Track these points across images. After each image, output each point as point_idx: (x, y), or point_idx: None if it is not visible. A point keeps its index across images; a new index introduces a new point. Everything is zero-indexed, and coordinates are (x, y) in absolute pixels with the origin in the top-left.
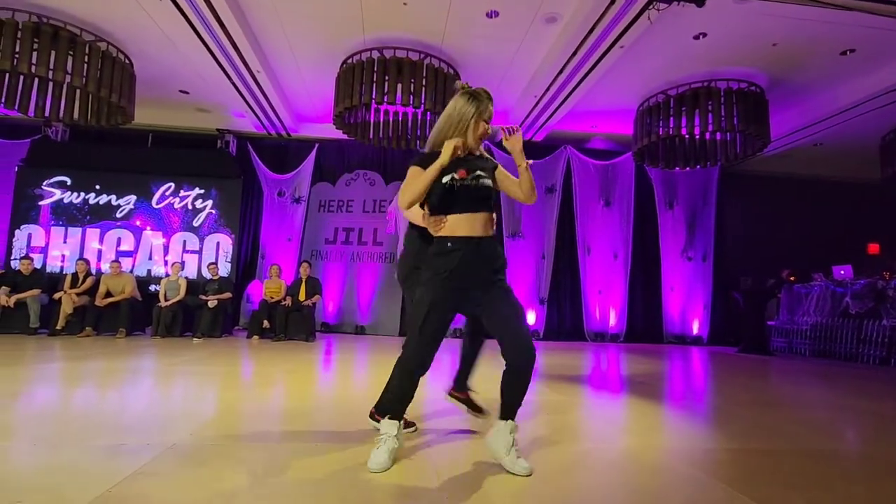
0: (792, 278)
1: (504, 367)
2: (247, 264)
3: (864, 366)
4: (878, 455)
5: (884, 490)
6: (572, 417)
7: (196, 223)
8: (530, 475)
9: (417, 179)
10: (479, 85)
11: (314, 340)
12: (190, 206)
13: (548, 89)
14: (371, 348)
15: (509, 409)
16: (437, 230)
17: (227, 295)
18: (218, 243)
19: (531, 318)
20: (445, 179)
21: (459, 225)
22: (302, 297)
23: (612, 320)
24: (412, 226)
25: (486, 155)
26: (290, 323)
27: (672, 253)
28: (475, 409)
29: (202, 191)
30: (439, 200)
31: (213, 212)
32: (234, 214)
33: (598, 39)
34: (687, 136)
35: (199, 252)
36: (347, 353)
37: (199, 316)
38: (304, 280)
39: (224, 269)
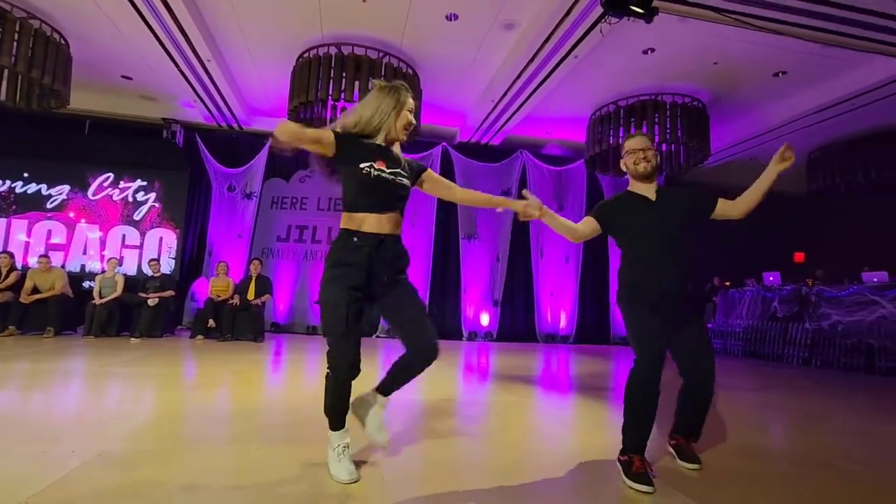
0: (727, 283)
1: (404, 353)
2: (192, 261)
3: (789, 366)
4: (800, 451)
5: (806, 483)
6: (522, 418)
7: (137, 217)
8: (385, 447)
9: (304, 134)
10: (439, 86)
11: (263, 341)
12: (130, 199)
13: (505, 94)
14: (323, 349)
15: (388, 388)
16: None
17: (170, 293)
18: (161, 238)
19: (485, 319)
20: (363, 166)
21: (367, 220)
22: (251, 295)
23: (563, 322)
24: None
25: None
26: (238, 322)
27: (615, 257)
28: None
29: (144, 183)
30: (353, 188)
31: (157, 205)
32: (180, 209)
33: (554, 48)
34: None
35: (140, 247)
36: (298, 353)
37: (138, 314)
38: (253, 278)
39: (167, 265)
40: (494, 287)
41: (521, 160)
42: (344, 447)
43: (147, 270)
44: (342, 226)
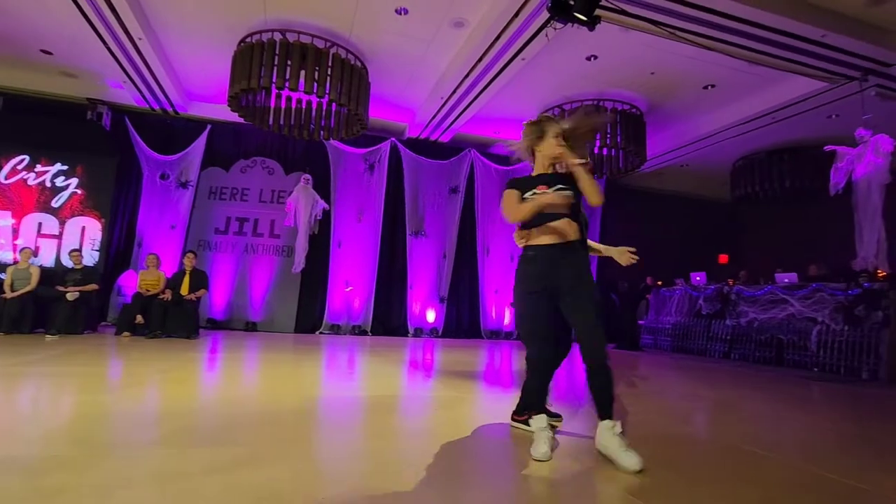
0: (659, 283)
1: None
2: (119, 253)
3: (711, 359)
4: (716, 437)
5: (722, 466)
6: (462, 412)
7: (56, 204)
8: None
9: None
10: (389, 81)
11: (197, 338)
12: (49, 184)
13: (454, 92)
14: (263, 346)
15: (603, 408)
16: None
17: (93, 286)
18: (83, 228)
19: (431, 316)
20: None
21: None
22: (185, 290)
23: (507, 319)
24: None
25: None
26: (170, 318)
27: None
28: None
29: (65, 167)
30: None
31: (79, 192)
32: (106, 196)
33: (502, 49)
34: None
35: (59, 237)
36: (235, 351)
37: (56, 309)
38: (188, 272)
39: (90, 257)
40: (441, 284)
41: (470, 158)
42: (540, 430)
43: (67, 262)
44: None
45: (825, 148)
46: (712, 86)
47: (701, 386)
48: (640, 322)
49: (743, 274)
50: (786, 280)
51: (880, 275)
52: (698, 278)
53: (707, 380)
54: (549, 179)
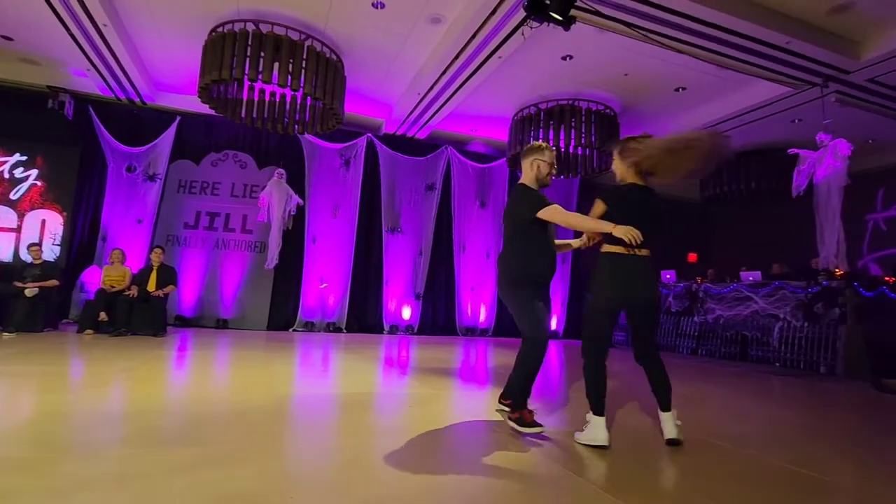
0: None
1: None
2: (82, 247)
3: (680, 355)
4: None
5: (689, 459)
6: (437, 409)
7: (14, 196)
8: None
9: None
10: (365, 75)
11: (164, 335)
12: (7, 175)
13: (431, 88)
14: (234, 343)
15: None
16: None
17: (53, 282)
18: (44, 221)
19: (407, 313)
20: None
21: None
22: (152, 286)
23: (483, 316)
24: None
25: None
26: (136, 315)
27: None
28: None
29: (24, 157)
30: None
31: (39, 183)
32: (68, 188)
33: (479, 47)
34: (554, 148)
35: (18, 230)
36: (205, 349)
37: (13, 306)
38: (155, 268)
39: (50, 251)
40: (417, 281)
41: (447, 156)
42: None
43: (26, 256)
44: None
45: (789, 151)
46: (683, 88)
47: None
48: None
49: (710, 272)
50: (750, 278)
51: (838, 273)
52: (668, 276)
53: (675, 376)
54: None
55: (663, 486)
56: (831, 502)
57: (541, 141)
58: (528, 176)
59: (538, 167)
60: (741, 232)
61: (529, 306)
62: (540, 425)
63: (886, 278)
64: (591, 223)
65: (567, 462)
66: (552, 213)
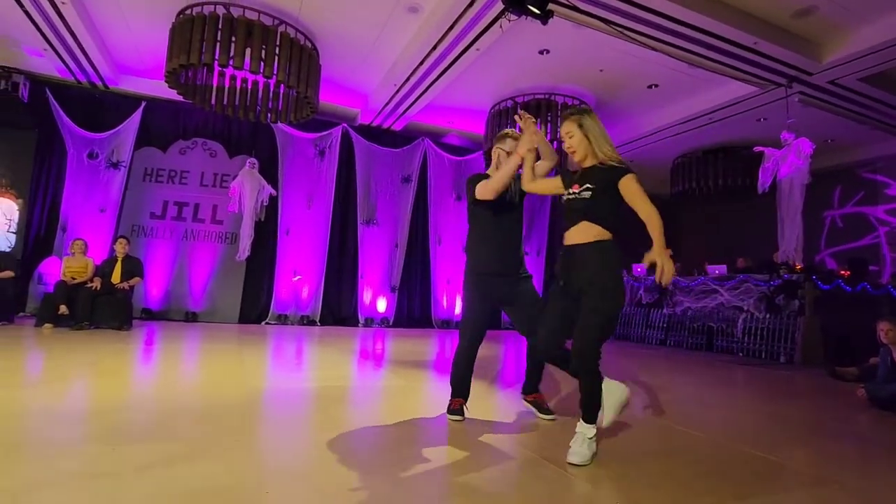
0: None
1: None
2: (40, 238)
3: (649, 346)
4: (652, 419)
5: (657, 445)
6: (411, 401)
7: None
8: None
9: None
10: (340, 64)
11: (130, 329)
12: None
13: (408, 79)
14: (203, 336)
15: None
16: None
17: (8, 273)
18: None
19: (382, 305)
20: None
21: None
22: (116, 278)
23: (458, 308)
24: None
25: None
26: (98, 308)
27: None
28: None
29: None
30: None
31: None
32: (24, 175)
33: (457, 38)
34: (520, 132)
35: None
36: (172, 342)
37: None
38: (119, 259)
39: (5, 240)
40: (392, 273)
41: (423, 148)
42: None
43: None
44: None
45: (754, 149)
46: (656, 85)
47: (639, 371)
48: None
49: (678, 266)
50: (716, 272)
51: (798, 268)
52: (639, 269)
53: (645, 365)
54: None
55: (630, 470)
56: (791, 484)
57: (508, 129)
58: (493, 166)
59: (497, 156)
60: (708, 227)
61: (466, 303)
62: (457, 416)
63: (842, 272)
64: (503, 170)
65: (540, 449)
66: (482, 191)
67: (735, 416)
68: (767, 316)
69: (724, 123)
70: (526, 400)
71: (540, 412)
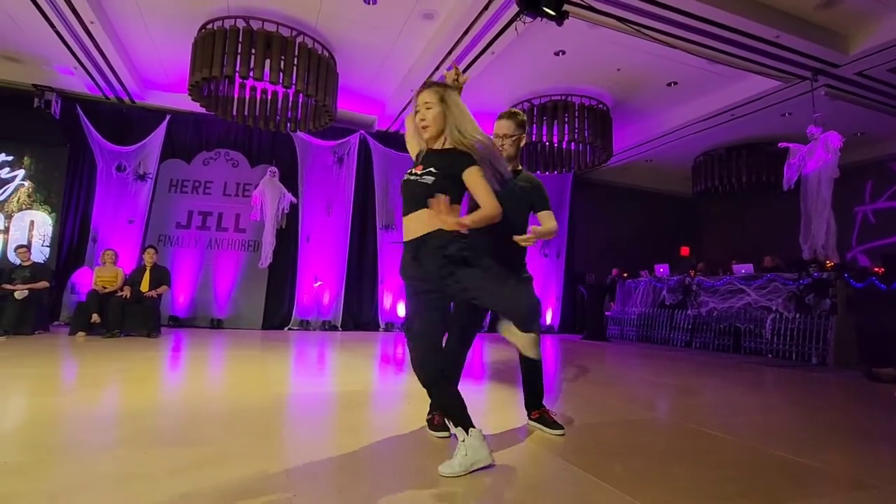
0: (625, 274)
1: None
2: (73, 249)
3: (674, 348)
4: (679, 423)
5: (684, 449)
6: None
7: (1, 197)
8: None
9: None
10: (357, 72)
11: (159, 336)
12: None
13: None
14: (228, 343)
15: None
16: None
17: (43, 284)
18: (32, 222)
19: (402, 310)
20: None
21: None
22: (145, 287)
23: None
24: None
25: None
26: (129, 316)
27: (532, 250)
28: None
29: (10, 158)
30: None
31: (26, 184)
32: (57, 189)
33: (472, 42)
34: (547, 144)
35: (6, 232)
36: (199, 349)
37: (3, 309)
38: (148, 268)
39: (40, 253)
40: None
41: None
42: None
43: (14, 259)
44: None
45: (779, 145)
46: (675, 83)
47: (664, 374)
48: (607, 313)
49: (700, 266)
50: (742, 271)
51: (828, 265)
52: (661, 270)
53: (670, 368)
54: None
55: (658, 473)
56: (825, 489)
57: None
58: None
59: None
60: (732, 225)
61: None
62: (442, 431)
63: (875, 269)
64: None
65: (566, 454)
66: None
67: (766, 419)
68: (797, 316)
69: (747, 119)
70: (530, 420)
71: (548, 428)
